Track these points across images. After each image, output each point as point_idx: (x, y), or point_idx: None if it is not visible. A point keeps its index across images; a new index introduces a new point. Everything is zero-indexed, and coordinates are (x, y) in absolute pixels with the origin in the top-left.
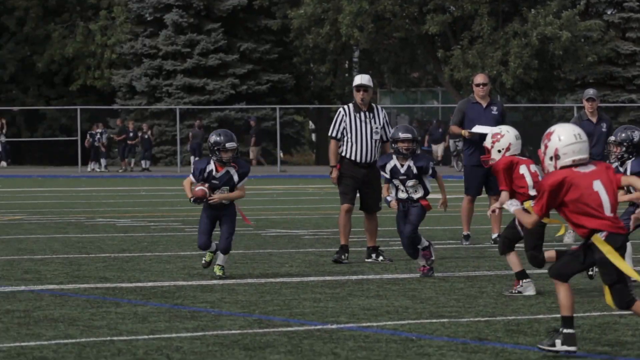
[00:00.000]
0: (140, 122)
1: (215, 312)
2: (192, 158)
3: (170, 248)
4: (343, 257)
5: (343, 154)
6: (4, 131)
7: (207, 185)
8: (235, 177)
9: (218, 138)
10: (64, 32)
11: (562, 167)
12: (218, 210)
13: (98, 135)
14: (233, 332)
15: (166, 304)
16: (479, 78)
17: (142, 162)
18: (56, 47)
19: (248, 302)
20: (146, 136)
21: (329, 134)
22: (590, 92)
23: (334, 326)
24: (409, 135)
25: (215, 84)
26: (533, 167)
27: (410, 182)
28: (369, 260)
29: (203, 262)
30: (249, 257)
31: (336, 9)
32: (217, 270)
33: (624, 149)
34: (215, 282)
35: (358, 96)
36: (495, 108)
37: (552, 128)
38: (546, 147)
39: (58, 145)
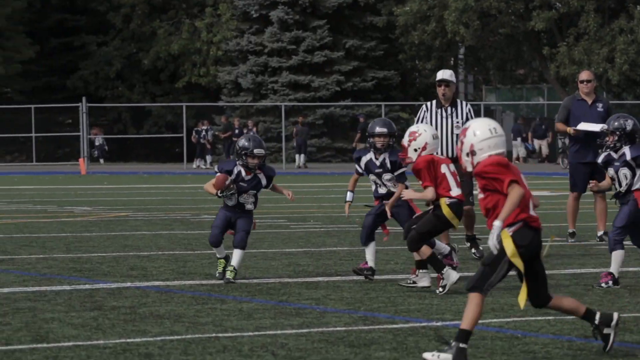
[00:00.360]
0: (245, 119)
1: (321, 309)
2: (297, 156)
3: (276, 245)
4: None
5: None
6: (101, 131)
7: (231, 178)
8: (264, 181)
9: (247, 143)
10: (169, 29)
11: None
12: (235, 213)
13: (203, 132)
14: (338, 329)
15: (271, 300)
16: (584, 75)
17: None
18: (162, 44)
19: (353, 299)
20: (252, 132)
21: None
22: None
23: (439, 323)
24: (384, 130)
25: (320, 81)
26: (452, 167)
27: (386, 176)
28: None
29: (217, 274)
30: (354, 254)
31: (442, 5)
32: (229, 274)
33: (616, 137)
34: (320, 279)
35: (440, 91)
36: (600, 105)
37: (468, 123)
38: (462, 143)
39: (163, 142)
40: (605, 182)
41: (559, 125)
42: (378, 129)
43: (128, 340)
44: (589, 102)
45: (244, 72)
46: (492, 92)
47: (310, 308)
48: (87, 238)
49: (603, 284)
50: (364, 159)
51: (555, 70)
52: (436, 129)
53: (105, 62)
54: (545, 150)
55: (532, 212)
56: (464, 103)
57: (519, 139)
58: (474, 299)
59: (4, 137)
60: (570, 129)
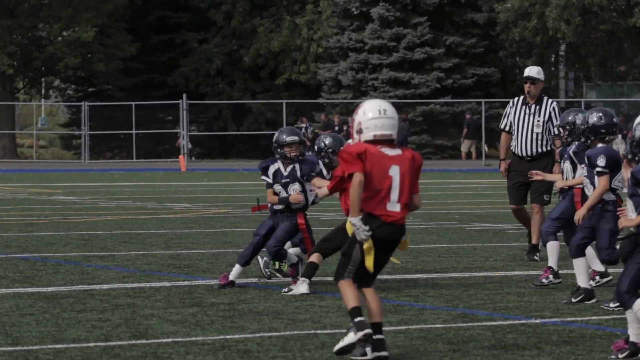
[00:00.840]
0: (345, 115)
1: (419, 306)
2: None
3: None
4: (535, 257)
5: (512, 147)
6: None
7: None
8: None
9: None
10: (270, 26)
11: (365, 142)
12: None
13: (303, 130)
14: (437, 326)
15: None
16: None
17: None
18: (262, 41)
19: (452, 295)
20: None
21: (500, 125)
22: None
23: (538, 321)
24: (295, 138)
25: (420, 78)
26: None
27: (294, 186)
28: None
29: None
30: (453, 251)
31: (543, 2)
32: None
33: (567, 132)
34: (419, 275)
35: (525, 88)
36: None
37: (363, 103)
38: (353, 120)
39: (263, 139)
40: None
41: None
42: (288, 138)
43: (227, 336)
44: None
45: (344, 69)
46: (592, 89)
47: (409, 305)
48: (186, 235)
49: (544, 280)
50: (271, 169)
51: None
52: (517, 125)
53: (206, 59)
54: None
55: (388, 208)
56: (549, 101)
57: (619, 136)
58: (341, 286)
59: (105, 134)
60: None
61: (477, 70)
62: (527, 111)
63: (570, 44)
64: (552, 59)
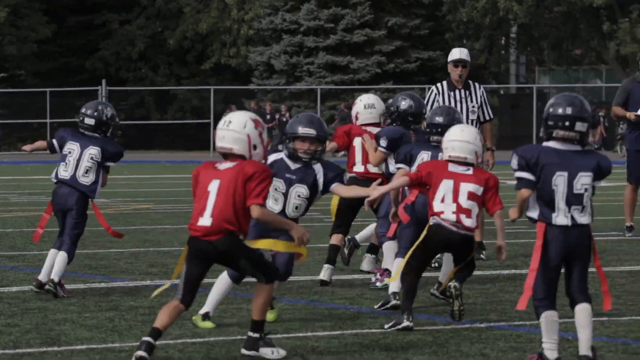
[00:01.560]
0: (278, 103)
1: (354, 309)
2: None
3: None
4: (482, 255)
5: None
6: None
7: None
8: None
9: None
10: (197, 7)
11: None
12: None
13: None
14: (373, 330)
15: (302, 300)
16: None
17: (279, 146)
18: (189, 22)
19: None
20: (284, 118)
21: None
22: None
23: (483, 325)
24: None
25: (360, 62)
26: (369, 140)
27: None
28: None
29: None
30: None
31: None
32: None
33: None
34: (356, 276)
35: (455, 72)
36: None
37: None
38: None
39: (189, 129)
40: None
41: (617, 110)
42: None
43: None
44: None
45: (277, 53)
46: (545, 74)
47: (344, 308)
48: (103, 232)
49: (378, 283)
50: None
51: (615, 49)
52: None
53: (128, 42)
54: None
55: (198, 223)
56: (476, 85)
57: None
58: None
59: (16, 124)
60: (630, 114)
61: (422, 54)
62: (457, 97)
63: (522, 25)
64: (503, 41)
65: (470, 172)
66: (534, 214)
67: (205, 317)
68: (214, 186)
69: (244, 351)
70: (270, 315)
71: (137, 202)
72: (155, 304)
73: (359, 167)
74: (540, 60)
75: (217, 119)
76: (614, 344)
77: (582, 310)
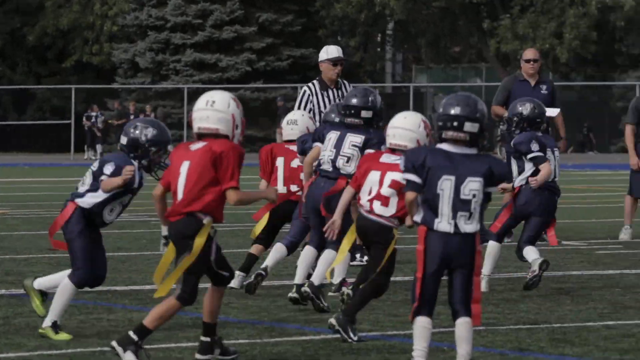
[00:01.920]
0: (143, 103)
1: (221, 319)
2: None
3: None
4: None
5: None
6: None
7: None
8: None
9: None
10: (58, 1)
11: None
12: None
13: (93, 119)
14: (240, 341)
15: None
16: (529, 53)
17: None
18: (50, 17)
19: (258, 307)
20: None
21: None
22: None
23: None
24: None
25: (229, 60)
26: (295, 161)
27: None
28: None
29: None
30: (264, 256)
31: None
32: None
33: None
34: None
35: (334, 71)
36: (544, 87)
37: None
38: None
39: (49, 130)
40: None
41: (497, 109)
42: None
43: (1, 355)
44: (532, 83)
45: (143, 50)
46: (423, 72)
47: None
48: None
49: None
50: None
51: (495, 46)
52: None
53: None
54: None
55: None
56: (346, 83)
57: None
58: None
59: None
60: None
61: (294, 52)
62: (331, 96)
63: (399, 22)
64: (379, 38)
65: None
66: (417, 217)
67: (55, 327)
68: (184, 168)
69: (198, 356)
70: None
71: None
72: (11, 314)
73: (280, 188)
74: (417, 58)
75: (79, 119)
76: (490, 354)
77: (463, 324)
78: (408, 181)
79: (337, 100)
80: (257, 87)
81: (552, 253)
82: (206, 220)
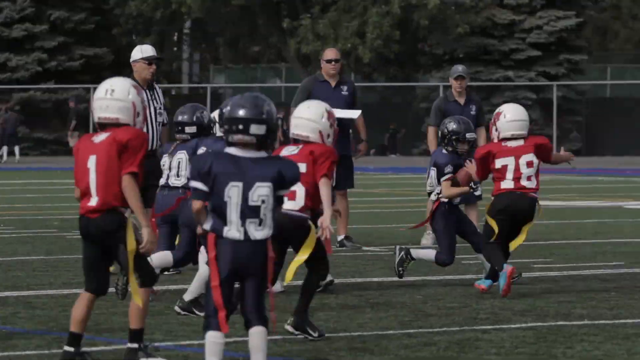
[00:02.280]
0: None
1: (7, 329)
2: (4, 148)
3: None
4: None
5: None
6: None
7: None
8: None
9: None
10: None
11: None
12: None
13: None
14: (28, 352)
15: None
16: (330, 53)
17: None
18: None
19: (47, 317)
20: None
21: None
22: (459, 68)
23: (148, 344)
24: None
25: (19, 60)
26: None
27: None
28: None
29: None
30: (51, 263)
31: None
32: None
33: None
34: (8, 293)
35: (147, 71)
36: (345, 88)
37: None
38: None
39: None
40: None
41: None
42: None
43: None
44: (333, 84)
45: None
46: (221, 72)
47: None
48: None
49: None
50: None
51: (296, 47)
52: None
53: None
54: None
55: (88, 204)
56: (157, 85)
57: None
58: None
59: None
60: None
61: (87, 51)
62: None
63: (196, 20)
64: (175, 37)
65: (296, 151)
66: (207, 224)
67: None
68: (91, 162)
69: None
70: None
71: None
72: None
73: None
74: (215, 57)
75: None
76: None
77: (256, 333)
78: (194, 189)
79: (150, 103)
80: (48, 88)
81: (352, 259)
82: (127, 212)
